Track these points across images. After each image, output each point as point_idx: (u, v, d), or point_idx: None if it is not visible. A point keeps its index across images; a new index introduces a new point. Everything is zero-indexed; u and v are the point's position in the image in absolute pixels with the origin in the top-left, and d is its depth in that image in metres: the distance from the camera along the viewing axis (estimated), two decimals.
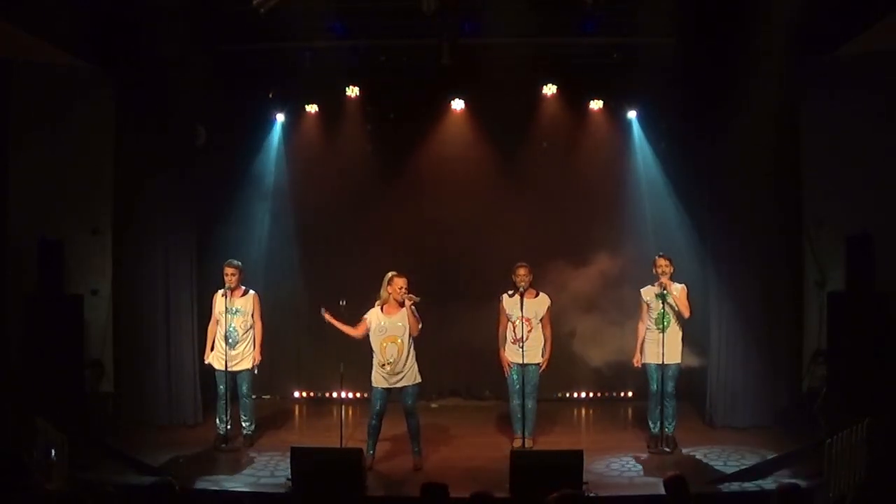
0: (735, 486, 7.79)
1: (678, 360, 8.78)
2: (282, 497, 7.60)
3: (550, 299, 8.92)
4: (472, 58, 9.56)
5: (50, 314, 9.23)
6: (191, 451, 8.83)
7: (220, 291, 8.94)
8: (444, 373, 10.80)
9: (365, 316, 8.30)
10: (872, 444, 7.32)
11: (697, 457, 8.69)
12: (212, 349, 9.04)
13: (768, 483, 7.71)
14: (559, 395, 10.98)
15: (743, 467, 8.21)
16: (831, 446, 7.28)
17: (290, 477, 7.66)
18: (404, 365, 8.24)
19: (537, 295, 8.83)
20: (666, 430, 8.81)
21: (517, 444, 8.71)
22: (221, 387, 8.95)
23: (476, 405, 10.89)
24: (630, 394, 10.95)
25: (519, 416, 8.75)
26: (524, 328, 8.70)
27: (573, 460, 7.39)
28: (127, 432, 9.44)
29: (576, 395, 11.13)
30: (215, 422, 9.06)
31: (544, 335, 8.88)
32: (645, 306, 8.86)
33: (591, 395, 11.14)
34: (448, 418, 10.21)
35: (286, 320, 10.72)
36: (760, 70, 8.96)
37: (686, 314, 8.72)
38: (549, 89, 10.45)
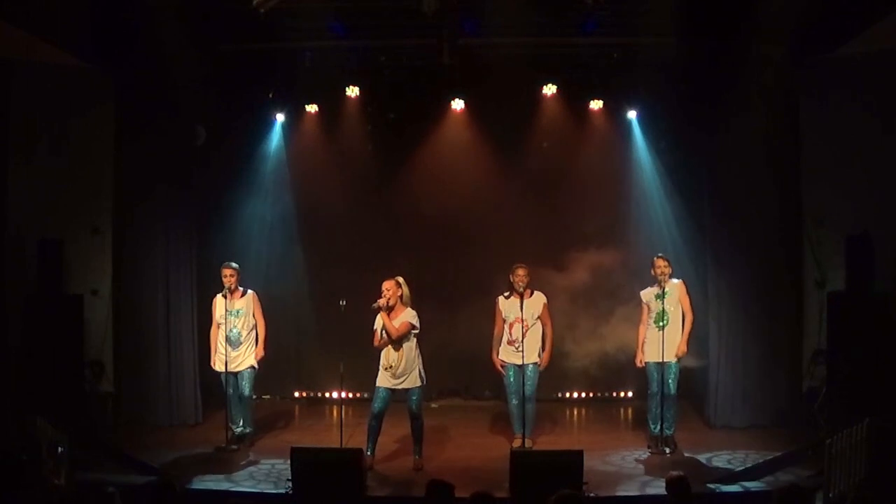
0: (735, 486, 7.78)
1: (676, 359, 8.78)
2: (282, 497, 7.60)
3: (547, 297, 8.92)
4: (472, 58, 9.56)
5: (50, 314, 9.24)
6: (191, 451, 8.84)
7: (220, 294, 8.94)
8: (444, 373, 10.77)
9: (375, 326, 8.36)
10: (872, 444, 7.32)
11: (697, 457, 8.69)
12: (215, 352, 9.04)
13: (768, 483, 7.71)
14: (559, 395, 10.98)
15: (743, 467, 8.21)
16: (831, 446, 7.28)
17: (290, 477, 7.66)
18: (406, 368, 8.26)
19: (532, 294, 8.83)
20: (666, 430, 8.81)
21: (517, 444, 8.72)
22: (230, 390, 8.96)
23: (476, 405, 10.89)
24: (630, 394, 10.96)
25: (518, 416, 8.76)
26: (521, 329, 8.70)
27: (573, 460, 7.39)
28: (127, 432, 9.45)
29: (575, 395, 11.13)
30: (223, 422, 9.04)
31: (545, 333, 8.88)
32: (645, 308, 8.87)
33: (590, 395, 11.13)
34: (448, 418, 10.21)
35: (286, 320, 10.72)
36: (760, 70, 8.96)
37: (689, 316, 8.73)
38: (549, 89, 10.44)
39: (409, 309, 8.29)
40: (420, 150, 10.75)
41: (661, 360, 8.69)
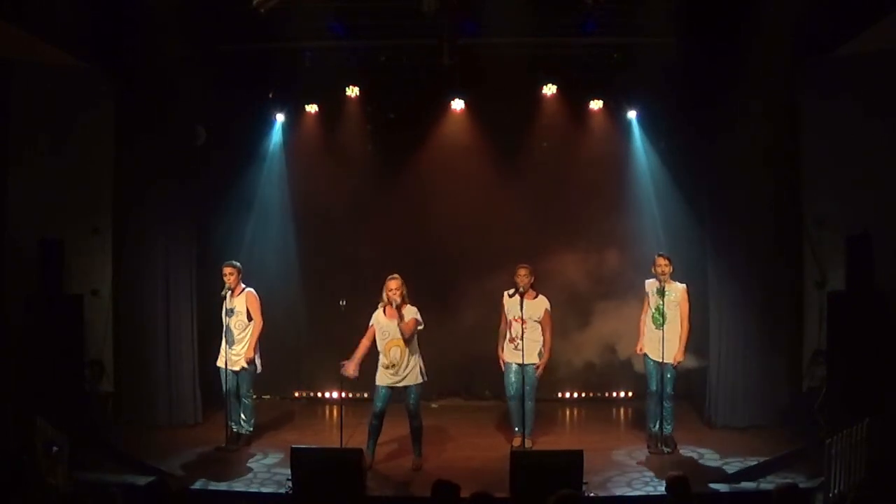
0: (735, 487, 7.79)
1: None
2: (282, 497, 7.60)
3: (550, 301, 8.92)
4: (472, 58, 9.57)
5: (50, 314, 9.24)
6: (191, 451, 8.84)
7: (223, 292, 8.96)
8: (444, 373, 10.75)
9: (371, 322, 8.33)
10: (872, 444, 7.33)
11: (697, 457, 8.69)
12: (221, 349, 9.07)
13: (768, 483, 7.72)
14: (558, 395, 10.97)
15: (743, 467, 8.21)
16: (831, 446, 7.28)
17: (290, 477, 7.66)
18: (407, 366, 8.26)
19: (536, 296, 8.84)
20: (665, 430, 8.82)
21: (517, 443, 8.72)
22: (225, 387, 8.96)
23: (476, 405, 10.88)
24: (629, 394, 10.95)
25: (517, 415, 8.76)
26: (520, 328, 8.71)
27: (573, 460, 7.39)
28: (127, 432, 9.44)
29: (575, 394, 11.12)
30: (223, 422, 9.05)
31: (543, 337, 8.88)
32: (647, 298, 8.88)
33: (590, 394, 11.12)
34: (448, 418, 10.20)
35: (286, 320, 10.70)
36: (760, 70, 8.96)
37: (685, 324, 8.74)
38: (549, 89, 10.44)
39: (410, 306, 8.29)
40: (420, 150, 10.75)
41: (660, 360, 8.69)
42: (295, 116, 10.86)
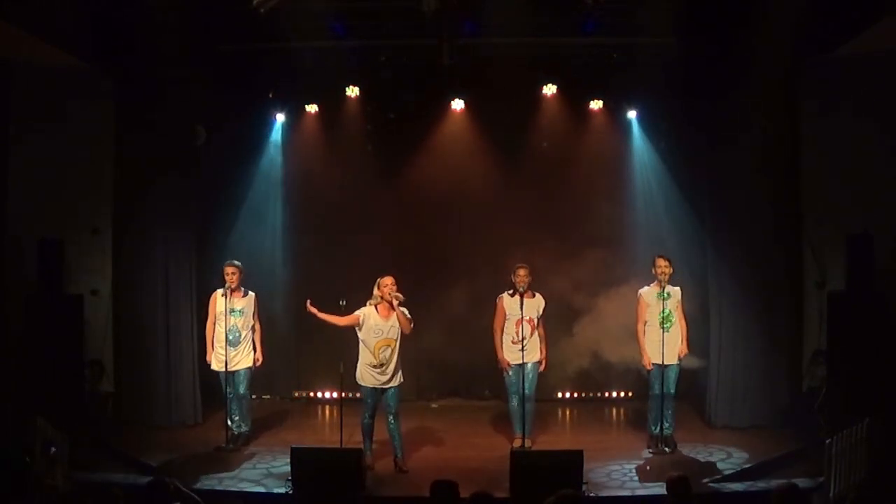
0: (735, 487, 7.78)
1: (678, 361, 8.79)
2: (282, 497, 7.60)
3: (547, 297, 8.93)
4: (472, 58, 9.58)
5: (50, 314, 9.24)
6: (190, 451, 8.83)
7: (220, 291, 8.93)
8: (444, 373, 10.80)
9: (357, 312, 8.26)
10: (872, 444, 7.32)
11: (697, 457, 8.69)
12: (212, 350, 9.04)
13: (768, 483, 7.71)
14: (558, 395, 10.98)
15: (743, 467, 8.21)
16: (831, 446, 7.28)
17: (290, 477, 7.66)
18: (393, 366, 8.25)
19: (534, 296, 8.84)
20: (665, 430, 8.81)
21: (517, 444, 8.72)
22: (228, 389, 8.96)
23: (476, 405, 10.87)
24: (629, 394, 10.95)
25: (518, 416, 8.75)
26: (526, 329, 8.70)
27: (573, 460, 7.39)
28: (127, 432, 9.44)
29: (575, 395, 11.11)
30: (223, 422, 9.04)
31: (540, 335, 8.89)
32: (644, 307, 8.85)
33: (589, 395, 11.11)
34: (448, 418, 10.20)
35: (286, 320, 10.71)
36: (760, 70, 8.96)
37: (682, 323, 8.74)
38: (549, 89, 10.45)
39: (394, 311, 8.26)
40: (420, 150, 10.74)
41: (661, 363, 8.69)
42: (295, 116, 10.87)
